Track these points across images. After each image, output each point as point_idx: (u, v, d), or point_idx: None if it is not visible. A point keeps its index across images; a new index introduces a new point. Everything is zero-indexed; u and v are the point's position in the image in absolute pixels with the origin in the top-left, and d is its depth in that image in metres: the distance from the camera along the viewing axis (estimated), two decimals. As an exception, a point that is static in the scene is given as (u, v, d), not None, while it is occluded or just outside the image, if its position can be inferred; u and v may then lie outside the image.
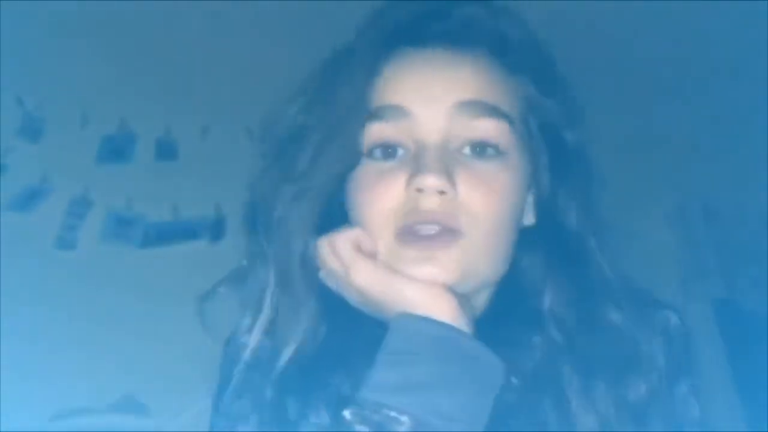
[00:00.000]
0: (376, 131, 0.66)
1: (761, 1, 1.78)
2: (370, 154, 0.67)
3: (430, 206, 0.63)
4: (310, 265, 0.67)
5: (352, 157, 0.67)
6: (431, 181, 0.62)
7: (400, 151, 0.66)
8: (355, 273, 0.65)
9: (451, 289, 0.64)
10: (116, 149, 2.04)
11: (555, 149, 0.71)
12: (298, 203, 0.67)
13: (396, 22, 0.70)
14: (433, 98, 0.66)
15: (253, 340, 0.68)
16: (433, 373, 0.59)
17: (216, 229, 2.04)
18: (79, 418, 1.79)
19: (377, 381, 0.60)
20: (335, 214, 0.68)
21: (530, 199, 0.72)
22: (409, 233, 0.64)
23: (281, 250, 0.67)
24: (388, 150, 0.66)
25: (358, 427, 0.58)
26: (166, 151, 2.08)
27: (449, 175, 0.63)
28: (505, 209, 0.66)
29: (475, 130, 0.66)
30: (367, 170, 0.67)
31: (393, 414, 0.57)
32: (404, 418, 0.57)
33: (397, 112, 0.66)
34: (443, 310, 0.62)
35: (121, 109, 2.06)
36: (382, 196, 0.65)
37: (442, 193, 0.63)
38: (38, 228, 1.93)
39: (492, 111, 0.66)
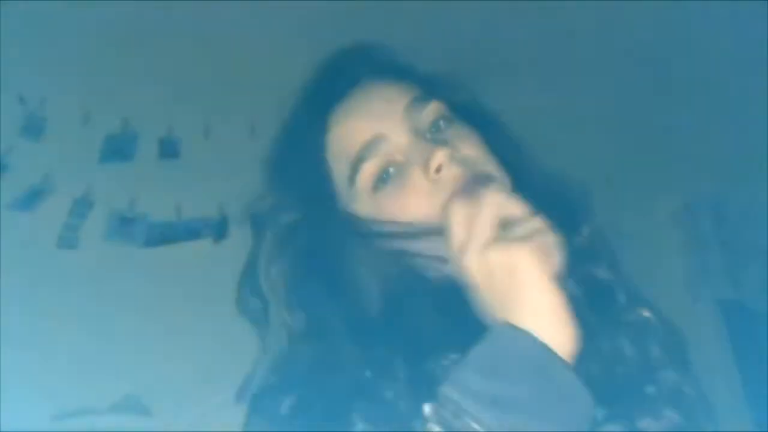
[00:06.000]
0: (366, 168, 0.74)
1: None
2: (374, 188, 0.74)
3: (455, 171, 0.71)
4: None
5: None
6: (440, 153, 0.71)
7: (396, 167, 0.74)
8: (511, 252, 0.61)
9: None
10: (119, 148, 2.03)
11: (471, 117, 0.81)
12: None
13: (313, 99, 0.80)
14: (387, 113, 0.76)
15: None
16: (526, 395, 0.56)
17: (219, 229, 2.03)
18: (80, 419, 1.78)
19: (464, 381, 0.57)
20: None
21: None
22: (455, 195, 0.68)
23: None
24: (383, 176, 0.74)
25: (433, 427, 0.56)
26: (168, 150, 2.07)
27: (444, 144, 0.73)
28: (488, 155, 0.76)
29: (429, 113, 0.77)
30: (381, 197, 0.74)
31: (474, 425, 0.54)
32: None
33: (375, 140, 0.75)
34: (560, 335, 0.59)
35: (124, 108, 2.05)
36: (411, 200, 0.73)
37: (452, 157, 0.71)
38: (40, 227, 1.92)
39: (427, 96, 0.78)
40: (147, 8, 1.93)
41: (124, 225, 1.99)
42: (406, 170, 0.74)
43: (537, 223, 0.62)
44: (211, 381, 1.74)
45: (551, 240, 0.62)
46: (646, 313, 0.75)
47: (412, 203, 0.73)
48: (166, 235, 2.01)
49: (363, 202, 0.75)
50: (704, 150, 2.47)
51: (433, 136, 0.76)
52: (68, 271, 1.89)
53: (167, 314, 1.88)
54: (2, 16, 1.78)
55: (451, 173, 0.71)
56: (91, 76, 1.99)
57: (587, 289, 0.72)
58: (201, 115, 2.09)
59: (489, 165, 0.74)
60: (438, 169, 0.71)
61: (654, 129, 2.44)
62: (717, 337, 2.56)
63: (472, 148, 0.75)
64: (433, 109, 0.77)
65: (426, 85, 0.80)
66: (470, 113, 0.81)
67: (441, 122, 0.77)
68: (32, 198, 1.93)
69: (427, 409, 0.57)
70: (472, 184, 0.70)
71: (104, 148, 2.03)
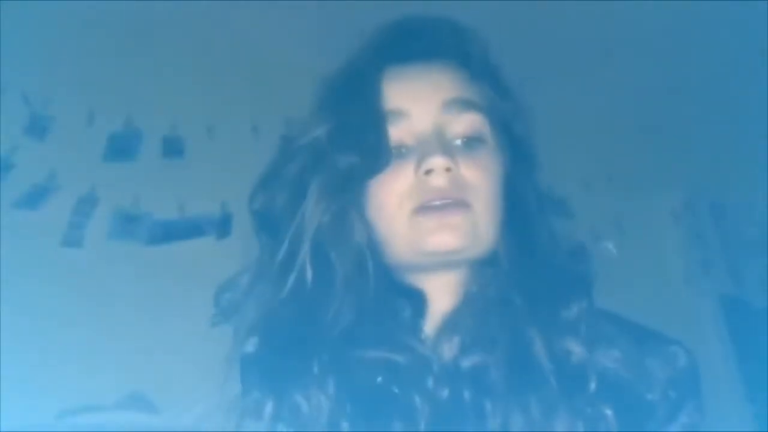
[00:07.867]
0: None
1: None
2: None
3: (440, 183, 0.73)
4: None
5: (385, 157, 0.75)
6: (438, 160, 0.72)
7: (404, 149, 0.76)
8: None
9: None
10: (122, 147, 2.04)
11: (508, 140, 0.81)
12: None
13: (380, 46, 0.81)
14: (424, 99, 0.77)
15: None
16: None
17: (222, 227, 2.04)
18: (85, 416, 1.77)
19: None
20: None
21: None
22: (424, 208, 0.73)
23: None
24: (396, 149, 0.76)
25: None
26: (172, 148, 2.08)
27: (451, 156, 0.73)
28: (495, 185, 0.76)
29: (462, 123, 0.77)
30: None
31: None
32: None
33: (398, 114, 0.76)
34: None
35: (128, 106, 2.05)
36: (394, 185, 0.74)
37: (448, 170, 0.72)
38: (45, 226, 1.92)
39: (473, 105, 0.77)
40: (151, 7, 1.94)
41: (128, 223, 1.99)
42: (407, 156, 0.75)
43: None
44: (217, 377, 1.75)
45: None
46: (608, 411, 0.68)
47: (393, 191, 0.74)
48: (169, 233, 2.01)
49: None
50: (705, 146, 2.47)
51: (451, 143, 0.75)
52: (73, 269, 1.89)
53: (171, 311, 1.89)
54: (6, 15, 1.79)
55: (437, 183, 0.72)
56: (95, 75, 2.00)
57: (559, 366, 0.69)
58: (205, 114, 2.10)
59: (480, 198, 0.74)
60: (428, 171, 0.72)
61: (654, 126, 2.44)
62: (717, 332, 2.56)
63: (477, 177, 0.74)
64: (469, 119, 0.77)
65: (491, 88, 0.80)
66: (510, 136, 0.80)
67: (470, 136, 0.76)
68: (37, 197, 1.93)
69: None
70: (446, 207, 0.72)
71: (108, 147, 2.03)
